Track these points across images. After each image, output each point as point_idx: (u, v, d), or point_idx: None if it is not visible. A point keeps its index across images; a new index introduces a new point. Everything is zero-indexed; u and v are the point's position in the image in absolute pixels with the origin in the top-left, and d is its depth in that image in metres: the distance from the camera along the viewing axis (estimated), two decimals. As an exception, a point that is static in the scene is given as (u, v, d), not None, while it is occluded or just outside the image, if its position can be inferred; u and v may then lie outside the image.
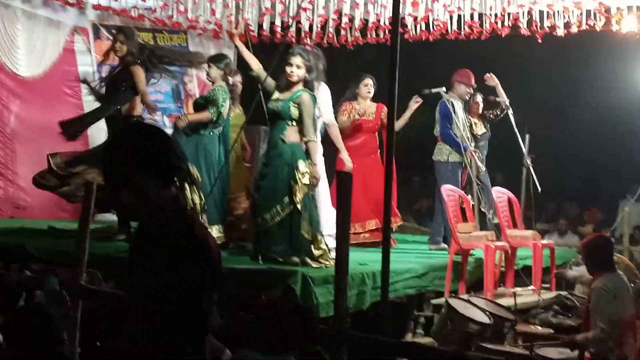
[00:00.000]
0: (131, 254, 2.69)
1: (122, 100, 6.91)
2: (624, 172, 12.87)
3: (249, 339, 3.23)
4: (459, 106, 8.36)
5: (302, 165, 6.17)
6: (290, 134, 6.30)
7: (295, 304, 4.10)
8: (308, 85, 6.34)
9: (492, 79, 8.45)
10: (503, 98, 8.45)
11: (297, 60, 6.24)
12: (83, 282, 4.57)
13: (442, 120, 8.20)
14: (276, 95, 6.33)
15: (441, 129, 8.21)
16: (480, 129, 8.75)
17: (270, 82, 6.50)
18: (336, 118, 7.75)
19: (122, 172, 2.51)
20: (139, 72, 6.91)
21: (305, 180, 6.14)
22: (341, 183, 4.09)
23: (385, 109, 7.75)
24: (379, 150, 8.13)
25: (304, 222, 6.15)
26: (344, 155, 7.55)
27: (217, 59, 7.20)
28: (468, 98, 8.42)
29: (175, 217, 2.57)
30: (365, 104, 8.14)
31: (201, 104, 7.04)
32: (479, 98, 8.61)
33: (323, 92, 6.97)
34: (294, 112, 6.25)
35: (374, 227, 7.89)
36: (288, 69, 6.27)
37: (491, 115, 8.74)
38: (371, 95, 8.14)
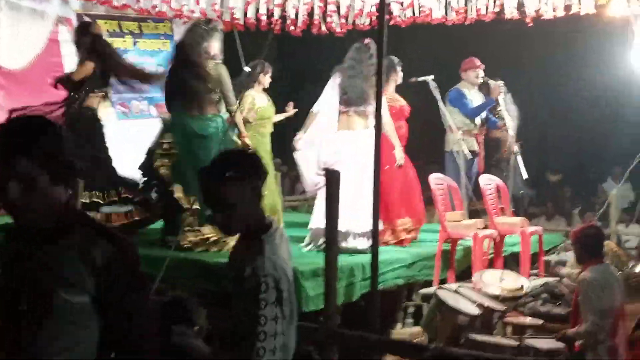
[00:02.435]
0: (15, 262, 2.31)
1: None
2: (606, 154, 12.91)
3: None
4: (473, 93, 8.50)
5: None
6: None
7: None
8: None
9: (495, 90, 8.44)
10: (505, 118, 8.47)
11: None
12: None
13: (460, 104, 8.40)
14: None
15: (466, 112, 8.44)
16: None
17: None
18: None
19: (11, 160, 2.20)
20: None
21: None
22: (329, 181, 4.09)
23: None
24: None
25: None
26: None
27: None
28: (481, 82, 8.55)
29: (78, 220, 2.32)
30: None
31: None
32: (499, 82, 8.55)
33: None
34: None
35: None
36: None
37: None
38: None
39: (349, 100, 6.72)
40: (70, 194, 2.33)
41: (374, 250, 4.72)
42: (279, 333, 2.77)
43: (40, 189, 2.23)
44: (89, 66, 6.97)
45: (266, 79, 7.73)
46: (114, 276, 2.24)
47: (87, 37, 7.07)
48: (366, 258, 6.10)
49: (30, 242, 2.29)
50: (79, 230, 2.28)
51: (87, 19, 9.15)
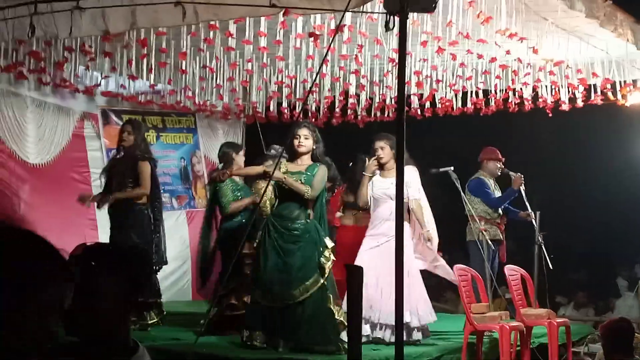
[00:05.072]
0: None
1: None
2: (633, 239, 12.77)
3: None
4: (491, 183, 8.51)
5: (328, 242, 6.32)
6: (310, 210, 6.40)
7: None
8: (319, 158, 6.48)
9: (517, 181, 8.41)
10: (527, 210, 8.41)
11: (303, 131, 6.41)
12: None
13: (483, 193, 8.45)
14: (285, 168, 6.42)
15: (489, 202, 8.45)
16: None
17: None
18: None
19: None
20: (146, 168, 7.21)
21: (332, 256, 6.27)
22: (351, 276, 4.06)
23: None
24: None
25: (331, 298, 6.22)
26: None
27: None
28: (499, 173, 8.57)
29: None
30: None
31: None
32: (519, 174, 8.51)
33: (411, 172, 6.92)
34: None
35: None
36: (295, 142, 6.40)
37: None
38: None
39: None
40: None
41: (398, 344, 4.63)
42: None
43: None
44: (148, 167, 7.25)
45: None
46: None
47: (140, 135, 7.27)
48: (390, 352, 5.99)
49: None
50: None
51: (112, 114, 9.33)
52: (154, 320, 7.15)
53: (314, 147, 6.44)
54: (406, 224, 6.74)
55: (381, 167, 7.04)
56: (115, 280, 2.23)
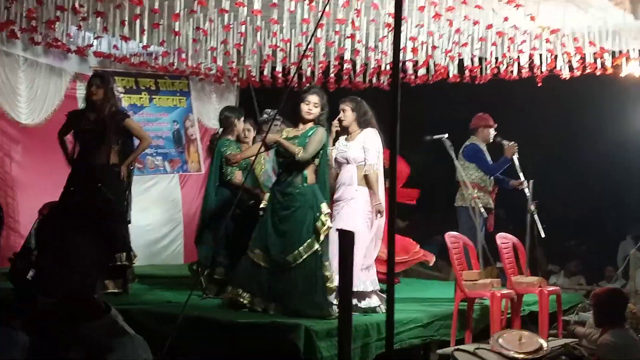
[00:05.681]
0: None
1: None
2: (626, 209, 12.80)
3: None
4: (484, 149, 8.49)
5: (325, 207, 6.21)
6: (310, 174, 6.29)
7: None
8: (320, 123, 6.37)
9: (510, 149, 8.38)
10: (521, 178, 8.38)
11: (314, 98, 6.29)
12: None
13: (480, 160, 8.41)
14: (286, 133, 6.36)
15: (486, 168, 8.44)
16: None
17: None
18: None
19: None
20: (134, 123, 7.25)
21: (328, 222, 6.17)
22: (342, 241, 4.03)
23: None
24: None
25: (326, 264, 6.15)
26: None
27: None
28: (492, 140, 8.54)
29: None
30: None
31: None
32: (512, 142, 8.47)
33: (371, 135, 6.72)
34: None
35: None
36: (305, 107, 6.28)
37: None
38: None
39: None
40: None
41: (389, 309, 4.62)
42: None
43: None
44: (135, 121, 7.30)
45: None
46: None
47: (110, 88, 7.14)
48: (381, 317, 6.01)
49: None
50: None
51: (105, 76, 9.23)
52: (119, 291, 6.81)
53: (320, 114, 6.35)
54: (363, 189, 6.64)
55: (344, 130, 6.81)
56: (83, 238, 2.18)
